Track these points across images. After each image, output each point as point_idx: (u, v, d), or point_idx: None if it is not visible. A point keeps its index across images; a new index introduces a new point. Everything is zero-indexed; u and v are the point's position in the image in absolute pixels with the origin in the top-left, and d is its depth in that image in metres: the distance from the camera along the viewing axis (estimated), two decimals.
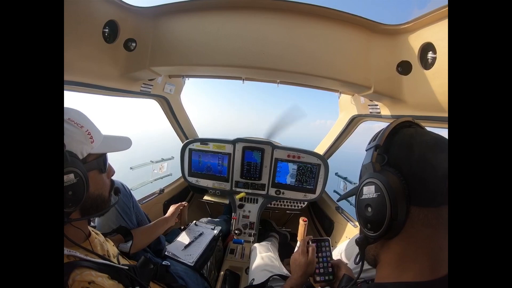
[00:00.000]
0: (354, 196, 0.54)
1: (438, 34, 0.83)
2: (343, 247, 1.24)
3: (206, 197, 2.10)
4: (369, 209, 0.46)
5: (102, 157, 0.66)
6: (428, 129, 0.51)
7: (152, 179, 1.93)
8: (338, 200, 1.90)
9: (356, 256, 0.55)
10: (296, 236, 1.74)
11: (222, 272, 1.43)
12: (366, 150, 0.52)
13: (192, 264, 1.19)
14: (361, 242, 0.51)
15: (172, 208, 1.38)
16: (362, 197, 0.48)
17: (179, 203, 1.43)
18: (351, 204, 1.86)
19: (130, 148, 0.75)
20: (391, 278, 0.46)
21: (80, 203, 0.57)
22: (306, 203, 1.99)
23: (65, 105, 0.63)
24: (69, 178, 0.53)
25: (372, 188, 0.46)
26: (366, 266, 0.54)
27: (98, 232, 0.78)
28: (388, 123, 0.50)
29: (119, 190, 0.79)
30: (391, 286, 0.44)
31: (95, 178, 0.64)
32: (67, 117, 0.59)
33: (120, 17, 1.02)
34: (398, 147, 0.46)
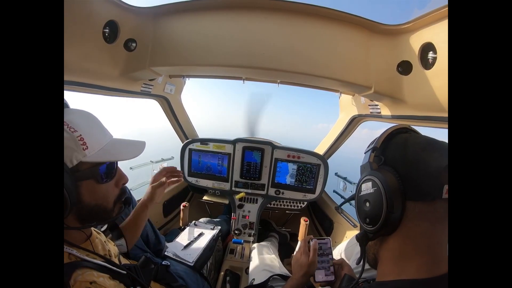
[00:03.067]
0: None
1: (438, 34, 0.83)
2: (343, 247, 1.24)
3: (205, 197, 2.10)
4: (367, 204, 0.49)
5: (98, 166, 0.58)
6: (428, 129, 0.52)
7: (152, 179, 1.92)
8: (340, 205, 1.91)
9: (358, 259, 0.56)
10: (296, 236, 1.74)
11: (222, 272, 1.43)
12: (364, 153, 0.55)
13: (192, 264, 1.19)
14: (361, 237, 0.53)
15: (148, 189, 1.10)
16: (361, 194, 0.51)
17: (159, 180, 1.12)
18: (350, 204, 1.86)
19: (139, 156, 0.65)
20: (392, 275, 0.46)
21: (65, 212, 0.52)
22: (305, 203, 1.99)
23: (71, 106, 0.61)
24: None
25: (369, 184, 0.49)
26: (368, 266, 0.54)
27: (100, 232, 0.78)
28: (388, 124, 0.52)
29: (129, 200, 0.73)
30: (392, 284, 0.45)
31: (90, 188, 0.58)
32: None
33: (120, 17, 1.02)
34: (393, 148, 0.50)
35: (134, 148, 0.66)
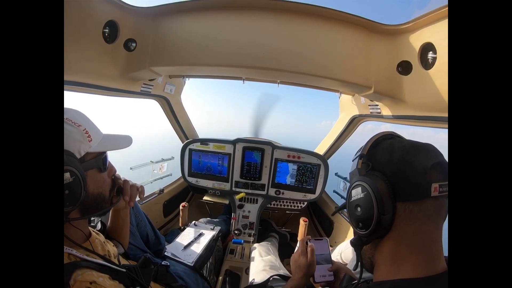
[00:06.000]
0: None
1: (438, 34, 0.83)
2: (343, 247, 1.24)
3: (205, 197, 2.10)
4: (359, 208, 0.50)
5: (101, 156, 0.66)
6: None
7: (152, 179, 1.93)
8: (332, 214, 1.92)
9: (355, 265, 0.57)
10: (296, 236, 1.74)
11: (222, 274, 1.43)
12: (352, 161, 0.57)
13: (192, 264, 1.19)
14: (356, 242, 0.54)
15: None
16: (352, 200, 0.52)
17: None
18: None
19: (130, 146, 0.75)
20: (388, 275, 0.47)
21: (78, 202, 0.58)
22: (306, 203, 1.99)
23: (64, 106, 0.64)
24: (64, 177, 0.54)
25: (359, 189, 0.50)
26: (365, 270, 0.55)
27: (99, 233, 0.78)
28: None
29: (121, 189, 0.79)
30: (391, 284, 0.45)
31: (94, 177, 0.65)
32: (65, 117, 0.59)
33: (120, 17, 1.02)
34: (380, 154, 0.51)
35: (124, 140, 0.74)
